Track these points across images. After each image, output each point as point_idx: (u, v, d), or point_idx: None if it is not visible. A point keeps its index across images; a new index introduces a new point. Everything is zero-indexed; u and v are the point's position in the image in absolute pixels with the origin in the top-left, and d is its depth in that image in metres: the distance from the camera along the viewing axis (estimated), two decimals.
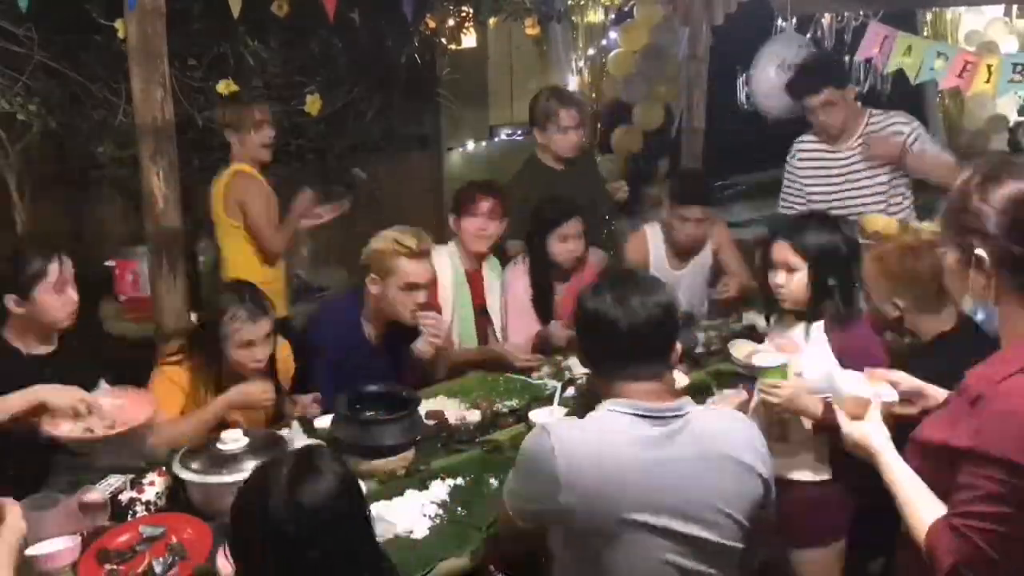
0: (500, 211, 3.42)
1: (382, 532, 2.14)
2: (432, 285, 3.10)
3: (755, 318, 3.44)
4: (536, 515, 1.84)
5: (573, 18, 5.54)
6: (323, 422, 2.64)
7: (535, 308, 3.53)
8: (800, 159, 3.82)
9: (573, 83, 5.65)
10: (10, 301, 2.50)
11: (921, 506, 1.60)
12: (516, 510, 1.90)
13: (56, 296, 2.55)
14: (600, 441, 1.77)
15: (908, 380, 2.03)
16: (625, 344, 1.82)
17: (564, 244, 3.44)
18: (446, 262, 3.41)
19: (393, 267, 2.91)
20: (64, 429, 2.30)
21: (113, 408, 2.38)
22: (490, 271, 3.56)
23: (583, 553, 1.80)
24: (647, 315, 1.81)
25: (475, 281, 3.50)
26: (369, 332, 3.05)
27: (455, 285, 3.43)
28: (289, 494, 1.50)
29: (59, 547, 1.99)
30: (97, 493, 2.16)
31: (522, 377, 3.12)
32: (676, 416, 1.80)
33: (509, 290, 3.54)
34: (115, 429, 2.31)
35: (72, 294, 2.61)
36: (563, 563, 1.86)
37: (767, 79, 4.36)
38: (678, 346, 1.89)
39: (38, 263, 2.52)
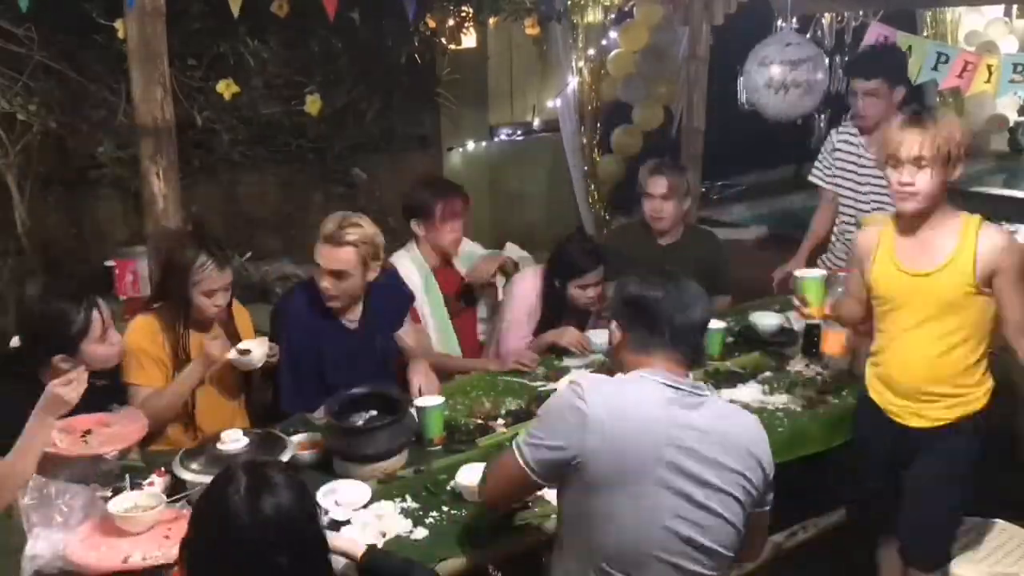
0: (465, 210, 3.43)
1: (383, 532, 2.15)
2: (349, 275, 2.86)
3: (760, 318, 3.44)
4: (554, 463, 1.85)
5: (573, 18, 5.53)
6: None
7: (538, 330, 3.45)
8: (840, 141, 3.79)
9: (573, 83, 5.65)
10: (58, 361, 2.37)
11: None
12: (533, 458, 1.88)
13: (102, 345, 2.45)
14: (631, 393, 1.89)
15: None
16: (681, 331, 1.94)
17: (583, 292, 3.32)
18: (410, 267, 3.35)
19: (317, 254, 2.85)
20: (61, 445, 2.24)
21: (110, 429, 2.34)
22: (462, 262, 3.54)
23: (593, 505, 1.85)
24: (702, 316, 2.00)
25: (442, 275, 3.47)
26: (344, 318, 2.97)
27: (425, 289, 3.38)
28: (250, 502, 1.54)
29: None
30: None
31: (522, 379, 3.12)
32: (699, 395, 1.91)
33: (514, 302, 3.48)
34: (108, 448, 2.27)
35: (115, 336, 2.52)
36: (571, 520, 1.92)
37: (760, 78, 4.35)
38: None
39: (80, 319, 2.39)
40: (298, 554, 1.55)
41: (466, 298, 3.55)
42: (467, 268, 3.53)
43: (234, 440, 2.30)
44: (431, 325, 3.42)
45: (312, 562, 1.60)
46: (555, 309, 3.39)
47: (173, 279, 2.72)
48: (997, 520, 2.80)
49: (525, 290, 3.43)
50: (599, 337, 3.27)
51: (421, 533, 2.17)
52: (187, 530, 1.62)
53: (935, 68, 3.71)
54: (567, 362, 3.25)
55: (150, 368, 2.69)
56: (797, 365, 3.15)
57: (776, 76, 4.17)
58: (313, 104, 4.17)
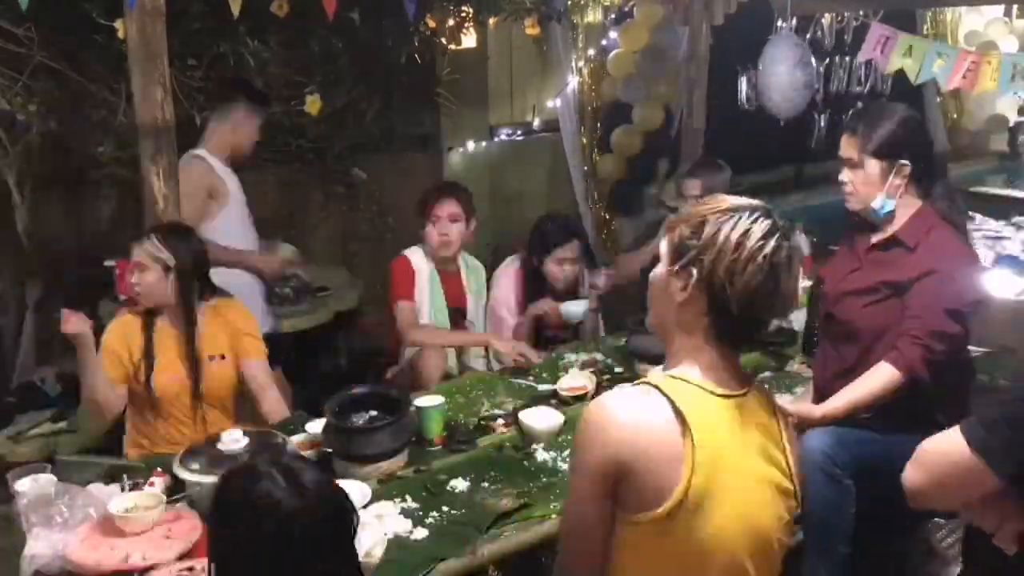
0: (463, 214, 3.41)
1: (382, 532, 2.15)
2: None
3: None
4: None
5: (573, 18, 5.53)
6: (315, 427, 2.62)
7: (520, 313, 3.55)
8: None
9: (573, 83, 5.65)
10: None
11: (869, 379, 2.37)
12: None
13: None
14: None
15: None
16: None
17: (560, 267, 3.48)
18: (421, 258, 3.44)
19: None
20: None
21: None
22: (468, 274, 3.56)
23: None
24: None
25: (448, 282, 3.50)
26: None
27: (430, 286, 3.44)
28: (289, 477, 1.49)
29: None
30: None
31: (522, 380, 3.12)
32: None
33: (498, 290, 3.55)
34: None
35: None
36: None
37: (776, 76, 4.32)
38: None
39: None
40: (340, 526, 1.52)
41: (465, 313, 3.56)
42: (472, 280, 3.57)
43: (234, 440, 2.30)
44: (429, 318, 3.45)
45: (350, 533, 1.56)
46: (533, 293, 3.52)
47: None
48: None
49: (507, 283, 3.57)
50: (576, 307, 3.38)
51: (421, 533, 2.17)
52: (218, 544, 1.53)
53: (935, 68, 3.70)
54: (568, 358, 3.27)
55: (113, 367, 2.78)
56: (797, 365, 3.16)
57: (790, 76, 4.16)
58: (313, 104, 4.17)
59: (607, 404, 1.55)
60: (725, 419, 1.58)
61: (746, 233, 1.50)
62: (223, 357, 2.87)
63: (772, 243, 1.51)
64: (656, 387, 1.55)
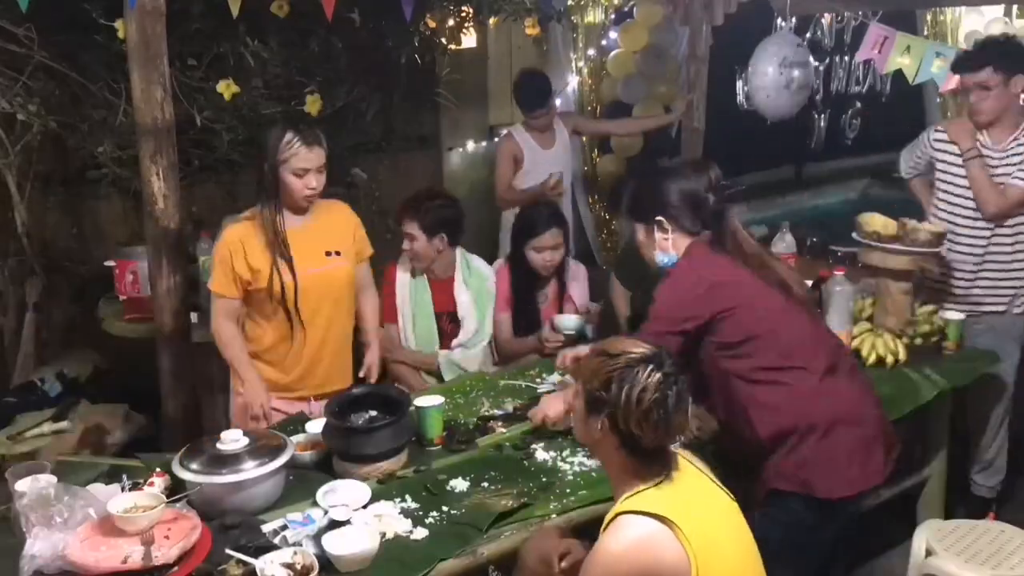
0: (421, 232, 3.31)
1: (383, 532, 2.15)
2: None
3: None
4: None
5: (573, 18, 5.54)
6: (315, 427, 2.62)
7: (514, 311, 3.57)
8: (935, 148, 3.52)
9: (573, 83, 5.65)
10: None
11: None
12: None
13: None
14: None
15: None
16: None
17: (540, 255, 3.47)
18: (403, 270, 3.44)
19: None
20: None
21: None
22: (468, 277, 3.49)
23: None
24: None
25: (437, 287, 3.45)
26: None
27: (412, 296, 3.43)
28: None
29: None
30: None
31: (522, 380, 3.12)
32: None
33: (497, 288, 3.56)
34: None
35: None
36: None
37: (765, 77, 4.34)
38: None
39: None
40: None
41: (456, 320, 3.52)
42: (472, 284, 3.49)
43: (234, 440, 2.30)
44: (411, 336, 3.44)
45: None
46: (519, 285, 3.54)
47: (264, 165, 2.79)
48: (997, 521, 2.80)
49: (501, 281, 3.56)
50: (569, 321, 3.39)
51: (421, 533, 2.17)
52: None
53: (934, 69, 3.70)
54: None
55: (226, 279, 2.81)
56: None
57: (784, 76, 4.15)
58: (313, 104, 4.17)
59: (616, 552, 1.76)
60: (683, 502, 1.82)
61: (644, 390, 1.77)
62: (338, 254, 2.94)
63: (666, 393, 1.77)
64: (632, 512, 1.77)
